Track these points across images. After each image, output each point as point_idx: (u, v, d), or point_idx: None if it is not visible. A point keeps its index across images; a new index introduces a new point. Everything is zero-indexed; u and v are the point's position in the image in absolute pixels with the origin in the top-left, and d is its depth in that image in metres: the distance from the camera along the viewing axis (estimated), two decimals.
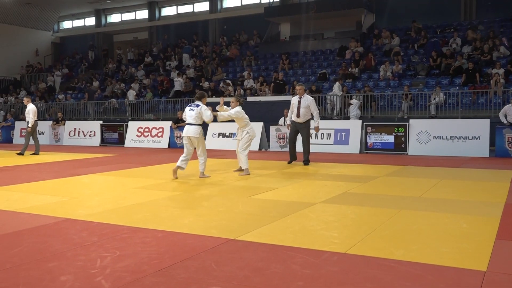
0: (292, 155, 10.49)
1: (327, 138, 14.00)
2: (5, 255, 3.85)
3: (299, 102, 10.02)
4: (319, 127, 10.51)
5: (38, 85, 27.16)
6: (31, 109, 13.53)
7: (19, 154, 13.39)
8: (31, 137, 13.61)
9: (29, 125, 13.39)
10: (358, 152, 13.42)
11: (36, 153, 13.60)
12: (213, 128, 15.65)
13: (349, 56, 20.39)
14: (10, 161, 11.78)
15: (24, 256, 3.80)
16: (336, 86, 16.90)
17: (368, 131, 13.48)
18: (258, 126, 14.85)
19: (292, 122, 10.31)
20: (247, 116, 9.02)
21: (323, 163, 10.70)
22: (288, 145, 10.98)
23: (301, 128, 10.20)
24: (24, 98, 14.19)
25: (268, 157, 12.16)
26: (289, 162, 10.43)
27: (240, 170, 8.99)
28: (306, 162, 10.18)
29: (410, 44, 20.06)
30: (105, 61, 28.87)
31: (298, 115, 10.04)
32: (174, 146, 16.22)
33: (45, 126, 19.57)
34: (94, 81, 25.29)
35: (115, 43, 31.74)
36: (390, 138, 13.22)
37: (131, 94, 21.48)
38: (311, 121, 10.32)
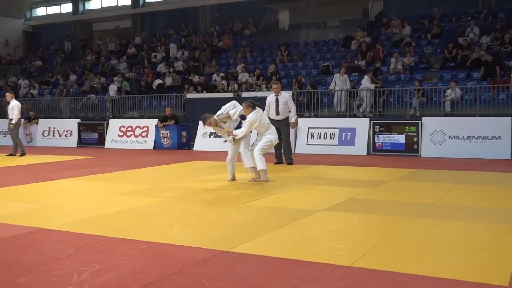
0: (279, 155, 11.12)
1: (330, 138, 14.00)
2: None
3: (277, 100, 10.81)
4: (297, 123, 11.31)
5: (8, 79, 27.07)
6: (15, 105, 13.78)
7: (20, 155, 13.65)
8: (10, 136, 13.93)
9: (13, 121, 13.64)
10: (365, 154, 13.44)
11: (12, 154, 13.79)
12: (203, 128, 15.61)
13: (355, 47, 20.42)
14: None
15: None
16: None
17: (376, 130, 13.50)
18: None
19: (272, 121, 10.67)
20: (266, 118, 8.58)
21: (326, 166, 10.71)
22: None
23: (282, 126, 10.77)
24: (7, 94, 14.48)
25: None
26: (276, 163, 11.03)
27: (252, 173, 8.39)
28: (290, 161, 10.91)
29: (423, 33, 20.11)
30: (83, 53, 28.81)
31: (277, 113, 10.81)
32: (160, 147, 16.19)
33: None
34: (70, 75, 25.24)
35: (94, 32, 31.69)
36: (401, 138, 13.24)
37: (112, 89, 21.43)
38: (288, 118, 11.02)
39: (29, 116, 19.52)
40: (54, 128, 18.78)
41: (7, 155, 13.73)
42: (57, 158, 13.19)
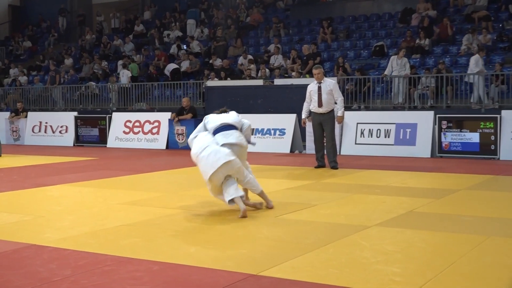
0: (321, 157, 11.07)
1: (385, 136, 13.90)
2: None
3: (319, 88, 10.75)
4: (342, 117, 11.20)
5: None
6: None
7: None
8: None
9: None
10: (429, 156, 13.31)
11: None
12: None
13: (416, 22, 20.19)
14: None
15: None
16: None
17: (443, 126, 13.35)
18: (290, 119, 14.85)
19: (314, 114, 10.98)
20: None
21: (379, 171, 10.64)
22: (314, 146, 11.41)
23: (325, 121, 10.83)
24: None
25: (303, 162, 12.15)
26: (318, 166, 11.01)
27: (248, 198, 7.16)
28: (334, 164, 10.88)
29: (503, 5, 19.77)
30: (81, 31, 29.20)
31: (320, 104, 10.77)
32: (174, 146, 16.32)
33: (0, 119, 19.90)
34: (66, 58, 25.62)
35: (94, 6, 32.04)
36: (474, 137, 13.07)
37: (125, 75, 21.39)
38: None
39: (16, 108, 19.91)
40: (46, 123, 19.09)
41: None
42: (50, 160, 13.41)
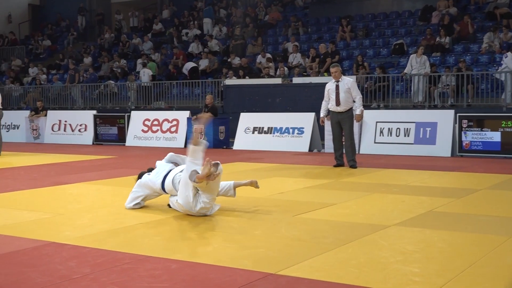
0: (340, 156, 11.07)
1: (404, 135, 13.85)
2: None
3: (337, 87, 10.79)
4: (362, 116, 11.19)
5: (11, 62, 27.91)
6: None
7: None
8: None
9: None
10: (450, 155, 13.24)
11: None
12: (245, 121, 15.73)
13: (437, 20, 20.09)
14: None
15: None
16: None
17: (464, 125, 13.26)
18: (309, 118, 14.83)
19: (332, 113, 10.98)
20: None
21: (399, 170, 10.61)
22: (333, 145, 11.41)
23: (343, 119, 10.83)
24: None
25: (321, 161, 12.13)
26: (337, 165, 11.02)
27: None
28: (353, 163, 10.87)
29: None
30: (100, 30, 29.40)
31: (338, 103, 10.79)
32: None
33: (20, 117, 20.13)
34: (85, 57, 25.81)
35: (113, 5, 32.24)
36: (496, 136, 12.97)
37: (146, 74, 21.51)
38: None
39: (36, 107, 20.09)
40: (65, 121, 19.25)
41: None
42: (69, 158, 13.53)
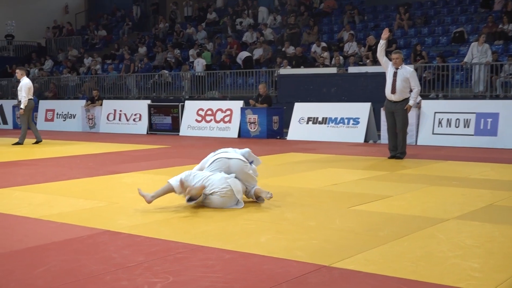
0: (394, 147, 10.91)
1: (464, 126, 13.59)
2: (26, 275, 4.10)
3: (395, 74, 10.60)
4: (412, 106, 10.96)
5: (68, 52, 28.56)
6: (23, 85, 14.36)
7: (16, 144, 14.26)
8: (27, 122, 14.46)
9: (22, 106, 14.26)
10: None
11: (38, 141, 14.50)
12: (300, 111, 15.69)
13: (499, 6, 19.62)
14: (29, 153, 12.52)
15: (51, 278, 4.02)
16: None
17: None
18: (365, 108, 14.69)
19: (386, 102, 10.87)
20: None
21: (458, 162, 10.44)
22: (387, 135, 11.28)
23: (398, 111, 10.70)
24: (17, 71, 14.96)
25: (377, 153, 12.02)
26: (391, 157, 10.86)
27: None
28: (402, 154, 10.79)
29: None
30: (155, 20, 29.76)
31: (393, 90, 10.62)
32: (246, 135, 16.43)
33: (76, 107, 20.60)
34: (140, 47, 26.20)
35: None
36: None
37: (200, 64, 21.73)
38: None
39: (92, 96, 20.51)
40: (120, 111, 19.60)
41: (33, 143, 14.38)
42: (124, 147, 13.78)
